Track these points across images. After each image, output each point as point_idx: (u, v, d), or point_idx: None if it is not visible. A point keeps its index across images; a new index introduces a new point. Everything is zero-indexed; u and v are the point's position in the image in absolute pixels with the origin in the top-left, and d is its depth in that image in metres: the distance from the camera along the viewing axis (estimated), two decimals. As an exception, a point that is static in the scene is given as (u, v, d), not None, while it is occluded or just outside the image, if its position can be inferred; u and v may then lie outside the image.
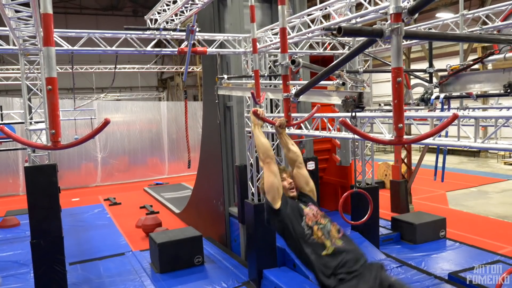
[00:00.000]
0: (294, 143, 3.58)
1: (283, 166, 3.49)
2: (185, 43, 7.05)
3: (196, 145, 16.53)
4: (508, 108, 6.57)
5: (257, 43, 7.27)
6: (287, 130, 6.18)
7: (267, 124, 5.15)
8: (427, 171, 14.84)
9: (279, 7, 3.60)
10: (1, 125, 2.10)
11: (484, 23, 6.60)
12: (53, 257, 6.47)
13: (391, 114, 2.16)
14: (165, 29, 7.49)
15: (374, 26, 2.14)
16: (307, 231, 3.09)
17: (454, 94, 4.65)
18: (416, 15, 2.22)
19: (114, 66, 7.89)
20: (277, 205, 3.25)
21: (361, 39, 2.52)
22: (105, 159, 18.50)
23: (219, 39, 8.11)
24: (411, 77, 7.67)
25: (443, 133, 5.44)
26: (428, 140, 4.37)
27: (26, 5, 4.74)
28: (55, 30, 4.78)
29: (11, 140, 8.15)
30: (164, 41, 8.04)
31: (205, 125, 10.62)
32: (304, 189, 3.44)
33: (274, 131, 3.72)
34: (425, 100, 5.23)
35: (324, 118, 5.75)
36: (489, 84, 3.85)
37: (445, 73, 4.32)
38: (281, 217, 3.21)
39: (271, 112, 8.76)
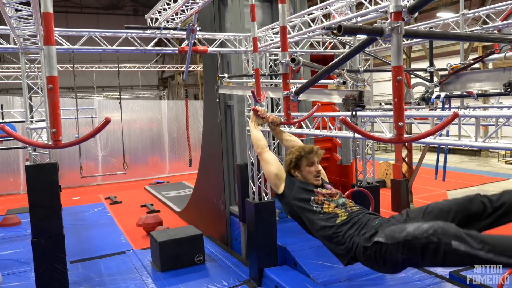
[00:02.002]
0: (289, 134, 3.56)
1: (317, 147, 3.21)
2: (186, 42, 7.05)
3: (197, 144, 16.53)
4: (509, 107, 6.57)
5: (258, 42, 7.27)
6: (287, 129, 6.21)
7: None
8: (428, 170, 14.83)
9: (280, 5, 3.60)
10: (2, 124, 2.11)
11: (485, 22, 6.60)
12: (54, 256, 6.48)
13: (391, 113, 2.16)
14: (165, 28, 7.49)
15: (374, 24, 2.14)
16: (317, 208, 2.96)
17: (455, 93, 4.66)
18: (416, 14, 2.22)
19: (114, 65, 7.89)
20: (280, 189, 3.16)
21: (362, 38, 2.52)
22: (106, 158, 18.51)
23: (219, 38, 8.11)
24: (412, 76, 7.69)
25: (444, 132, 5.44)
26: (429, 139, 4.37)
27: (27, 4, 4.75)
28: (55, 29, 4.78)
29: (12, 138, 8.16)
30: (165, 40, 8.04)
31: (206, 124, 10.62)
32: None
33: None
34: (425, 99, 5.24)
35: (324, 117, 5.75)
36: (490, 83, 3.85)
37: (446, 72, 4.32)
38: (287, 200, 3.11)
39: (272, 111, 8.77)
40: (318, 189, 3.08)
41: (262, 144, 3.31)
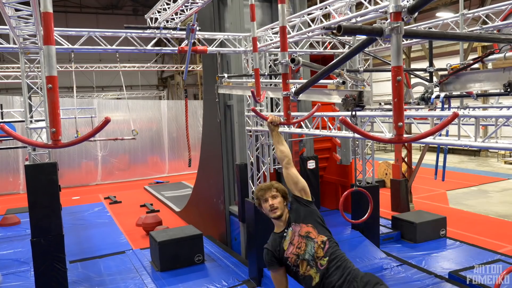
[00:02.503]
0: (284, 142, 3.54)
1: (265, 185, 3.33)
2: (186, 42, 7.05)
3: (196, 143, 16.53)
4: (509, 107, 6.58)
5: (257, 42, 7.27)
6: (287, 129, 6.21)
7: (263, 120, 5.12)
8: (428, 170, 14.85)
9: (279, 6, 3.60)
10: (1, 124, 2.11)
11: (484, 22, 6.60)
12: (54, 255, 6.47)
13: (391, 113, 2.16)
14: (165, 28, 7.49)
15: (374, 25, 2.14)
16: (296, 270, 3.11)
17: (455, 93, 4.66)
18: (416, 14, 2.22)
19: (113, 64, 7.90)
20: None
21: (361, 38, 2.52)
22: (106, 157, 18.51)
23: (219, 38, 8.11)
24: (412, 76, 7.69)
25: (443, 132, 5.44)
26: (428, 139, 4.37)
27: (26, 3, 4.75)
28: (55, 28, 4.78)
29: (11, 138, 8.16)
30: (164, 40, 8.04)
31: (206, 123, 10.62)
32: (294, 191, 3.37)
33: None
34: (425, 99, 5.24)
35: (324, 117, 5.75)
36: (489, 83, 3.85)
37: (445, 72, 4.32)
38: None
39: (272, 111, 8.77)
40: (287, 242, 3.17)
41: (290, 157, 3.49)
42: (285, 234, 3.20)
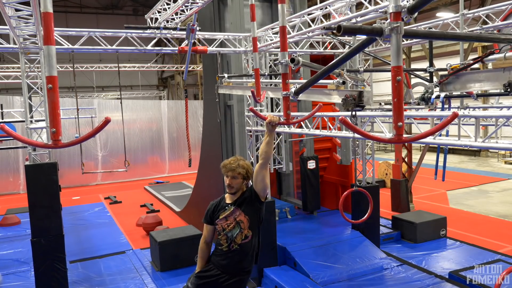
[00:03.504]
0: (272, 145, 3.75)
1: (230, 165, 3.76)
2: (186, 42, 7.05)
3: (196, 143, 16.54)
4: (509, 108, 6.58)
5: (258, 42, 7.28)
6: (287, 129, 6.22)
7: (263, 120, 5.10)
8: (428, 170, 14.85)
9: (279, 6, 3.61)
10: (1, 124, 2.11)
11: (484, 22, 6.60)
12: (54, 255, 6.47)
13: (391, 113, 2.17)
14: (165, 28, 7.50)
15: (374, 25, 2.15)
16: (218, 235, 3.79)
17: (455, 93, 4.66)
18: (416, 14, 2.22)
19: (113, 65, 7.90)
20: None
21: (361, 38, 2.53)
22: (106, 157, 18.51)
23: (219, 38, 8.11)
24: (412, 76, 7.69)
25: (443, 132, 5.45)
26: (429, 139, 4.38)
27: (27, 4, 4.75)
28: (55, 29, 4.79)
29: (11, 138, 8.16)
30: (165, 40, 8.05)
31: (206, 123, 10.62)
32: (255, 186, 3.74)
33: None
34: (425, 99, 5.24)
35: (324, 117, 5.75)
36: (489, 83, 3.86)
37: (446, 72, 4.33)
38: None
39: (272, 111, 8.78)
40: (225, 213, 3.76)
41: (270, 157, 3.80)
42: (227, 208, 3.77)
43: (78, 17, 30.15)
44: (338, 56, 4.08)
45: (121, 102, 10.76)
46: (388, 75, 2.55)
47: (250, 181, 3.87)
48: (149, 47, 7.63)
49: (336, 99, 4.42)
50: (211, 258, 3.85)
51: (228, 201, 3.83)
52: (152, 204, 13.71)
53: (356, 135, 2.64)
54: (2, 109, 11.47)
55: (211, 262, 3.83)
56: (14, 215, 12.08)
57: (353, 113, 3.90)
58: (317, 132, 5.91)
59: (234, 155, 9.01)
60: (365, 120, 6.58)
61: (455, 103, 6.27)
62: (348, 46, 8.98)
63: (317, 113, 5.07)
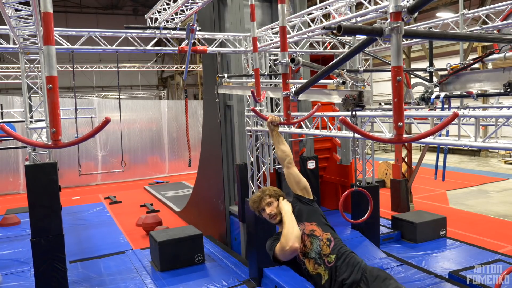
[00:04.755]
0: (285, 142, 3.55)
1: (259, 194, 3.32)
2: (186, 42, 7.05)
3: (196, 143, 16.53)
4: (509, 107, 6.58)
5: (257, 42, 7.27)
6: (287, 129, 6.21)
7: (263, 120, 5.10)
8: (428, 170, 14.85)
9: (279, 5, 3.60)
10: (1, 124, 2.11)
11: (484, 22, 6.60)
12: (54, 255, 6.47)
13: (391, 113, 2.17)
14: (165, 28, 7.49)
15: (374, 25, 2.14)
16: (303, 266, 3.15)
17: (455, 93, 4.66)
18: (416, 14, 2.22)
19: (113, 65, 7.90)
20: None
21: (361, 38, 2.52)
22: (106, 157, 18.51)
23: (219, 38, 8.11)
24: (412, 76, 7.69)
25: (443, 132, 5.45)
26: (428, 139, 4.37)
27: (26, 4, 4.75)
28: (55, 29, 4.79)
29: (11, 138, 8.16)
30: (164, 40, 8.04)
31: (206, 123, 10.62)
32: (296, 190, 3.40)
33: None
34: (425, 99, 5.24)
35: (324, 117, 5.75)
36: (489, 83, 3.85)
37: (445, 72, 4.32)
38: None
39: (272, 111, 8.77)
40: None
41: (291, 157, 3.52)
42: None
43: (78, 17, 30.15)
44: (338, 56, 4.08)
45: (119, 102, 10.76)
46: (388, 75, 2.55)
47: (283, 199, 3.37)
48: (149, 47, 7.63)
49: (336, 99, 4.41)
50: None
51: None
52: (152, 204, 13.72)
53: (356, 135, 2.64)
54: (2, 109, 11.47)
55: None
56: (14, 215, 12.08)
57: (353, 113, 3.89)
58: (317, 132, 5.90)
59: (234, 156, 9.06)
60: (365, 120, 6.58)
61: (455, 103, 6.27)
62: (348, 46, 8.98)
63: (317, 113, 5.07)
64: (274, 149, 7.32)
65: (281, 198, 3.29)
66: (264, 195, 3.26)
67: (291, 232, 3.03)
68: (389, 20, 2.08)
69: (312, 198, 3.37)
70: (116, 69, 8.45)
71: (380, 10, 5.28)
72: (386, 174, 14.90)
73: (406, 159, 12.06)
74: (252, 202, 3.30)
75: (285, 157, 3.45)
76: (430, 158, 15.22)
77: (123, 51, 7.74)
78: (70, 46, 7.01)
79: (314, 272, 3.07)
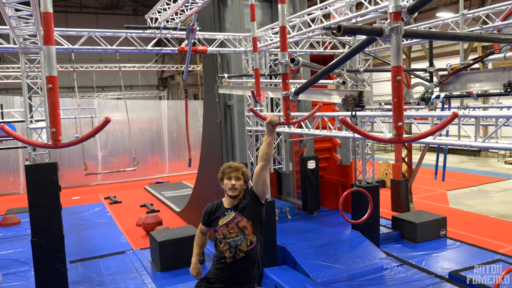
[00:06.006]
0: (272, 146, 3.66)
1: (234, 165, 3.67)
2: (186, 42, 7.05)
3: (196, 143, 16.54)
4: (509, 108, 6.58)
5: (258, 42, 7.28)
6: (287, 129, 6.21)
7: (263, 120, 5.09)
8: (428, 170, 14.85)
9: (279, 6, 3.61)
10: (1, 124, 2.11)
11: (484, 22, 6.60)
12: (54, 255, 6.47)
13: (391, 113, 2.17)
14: (165, 28, 7.49)
15: (374, 25, 2.15)
16: (217, 242, 3.65)
17: (455, 93, 4.66)
18: (416, 14, 2.22)
19: (114, 65, 7.90)
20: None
21: (361, 38, 2.53)
22: (106, 157, 18.51)
23: (219, 38, 8.11)
24: (412, 76, 7.69)
25: (443, 132, 5.45)
26: (428, 139, 4.37)
27: (27, 4, 4.75)
28: (55, 29, 4.79)
29: (11, 138, 8.16)
30: (165, 40, 8.04)
31: (206, 123, 10.62)
32: (256, 189, 3.64)
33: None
34: (425, 99, 5.25)
35: (324, 117, 5.75)
36: (489, 83, 3.86)
37: (446, 72, 4.33)
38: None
39: (272, 111, 8.77)
40: (226, 219, 3.60)
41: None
42: (226, 213, 3.61)
43: (78, 17, 30.16)
44: (338, 56, 4.07)
45: (125, 102, 10.76)
46: (388, 75, 2.55)
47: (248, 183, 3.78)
48: (149, 47, 7.63)
49: (336, 99, 4.42)
50: (213, 272, 3.67)
51: (227, 205, 3.67)
52: (152, 204, 13.71)
53: (356, 135, 2.65)
54: (2, 109, 11.47)
55: (214, 275, 3.65)
56: (14, 215, 12.08)
57: (353, 113, 3.90)
58: (317, 132, 5.90)
59: (234, 156, 9.06)
60: (365, 120, 6.58)
61: (455, 103, 6.27)
62: (348, 46, 8.98)
63: (317, 113, 5.07)
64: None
65: (245, 182, 3.67)
66: (241, 170, 3.62)
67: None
68: (389, 20, 2.09)
69: (263, 202, 3.66)
70: (116, 69, 8.45)
71: (380, 10, 5.28)
72: (386, 174, 14.90)
73: (406, 159, 12.06)
74: (228, 166, 3.65)
75: (266, 159, 3.59)
76: (430, 158, 15.22)
77: (123, 51, 7.74)
78: (70, 46, 7.01)
79: (224, 250, 3.56)
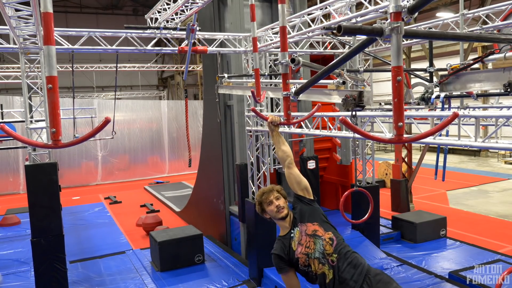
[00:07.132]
0: (285, 142, 3.56)
1: (266, 189, 3.35)
2: (186, 42, 7.05)
3: (196, 143, 16.53)
4: (509, 108, 6.58)
5: (258, 42, 7.27)
6: (287, 129, 6.21)
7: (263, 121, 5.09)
8: (428, 170, 14.85)
9: (279, 6, 3.60)
10: (1, 124, 2.11)
11: (484, 22, 6.60)
12: (54, 255, 6.47)
13: (391, 113, 2.17)
14: (165, 28, 7.49)
15: (374, 25, 2.14)
16: (308, 270, 3.13)
17: (455, 93, 4.66)
18: (416, 14, 2.22)
19: (114, 65, 7.90)
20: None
21: (361, 38, 2.52)
22: (106, 157, 18.52)
23: (219, 38, 8.11)
24: (412, 76, 7.69)
25: (443, 132, 5.44)
26: (429, 139, 4.37)
27: (27, 4, 4.75)
28: (55, 29, 4.78)
29: (11, 138, 8.16)
30: (165, 40, 8.04)
31: (206, 124, 10.62)
32: (296, 190, 3.39)
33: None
34: (425, 99, 5.24)
35: (324, 117, 5.75)
36: (489, 83, 3.85)
37: (446, 72, 4.32)
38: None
39: (272, 111, 8.77)
40: (296, 242, 3.20)
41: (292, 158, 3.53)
42: (292, 235, 3.23)
43: (78, 17, 30.16)
44: (338, 56, 4.08)
45: (114, 102, 10.73)
46: (388, 75, 2.55)
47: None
48: (149, 47, 7.63)
49: (336, 99, 4.41)
50: None
51: (286, 231, 3.29)
52: (152, 204, 13.72)
53: (356, 135, 2.65)
54: (2, 109, 11.47)
55: None
56: (14, 215, 12.08)
57: (353, 113, 3.89)
58: (317, 132, 5.90)
59: (234, 156, 9.06)
60: (365, 120, 6.58)
61: (455, 103, 6.27)
62: (348, 46, 8.97)
63: (317, 113, 5.07)
64: (274, 149, 7.32)
65: (285, 198, 3.32)
66: (274, 190, 3.29)
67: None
68: (389, 20, 2.08)
69: (312, 198, 3.37)
70: (116, 69, 8.44)
71: (380, 10, 5.28)
72: (386, 174, 14.90)
73: (406, 159, 12.06)
74: (262, 192, 3.30)
75: (286, 158, 3.45)
76: (430, 158, 15.22)
77: (123, 51, 7.73)
78: (70, 46, 7.01)
79: (319, 272, 3.06)
